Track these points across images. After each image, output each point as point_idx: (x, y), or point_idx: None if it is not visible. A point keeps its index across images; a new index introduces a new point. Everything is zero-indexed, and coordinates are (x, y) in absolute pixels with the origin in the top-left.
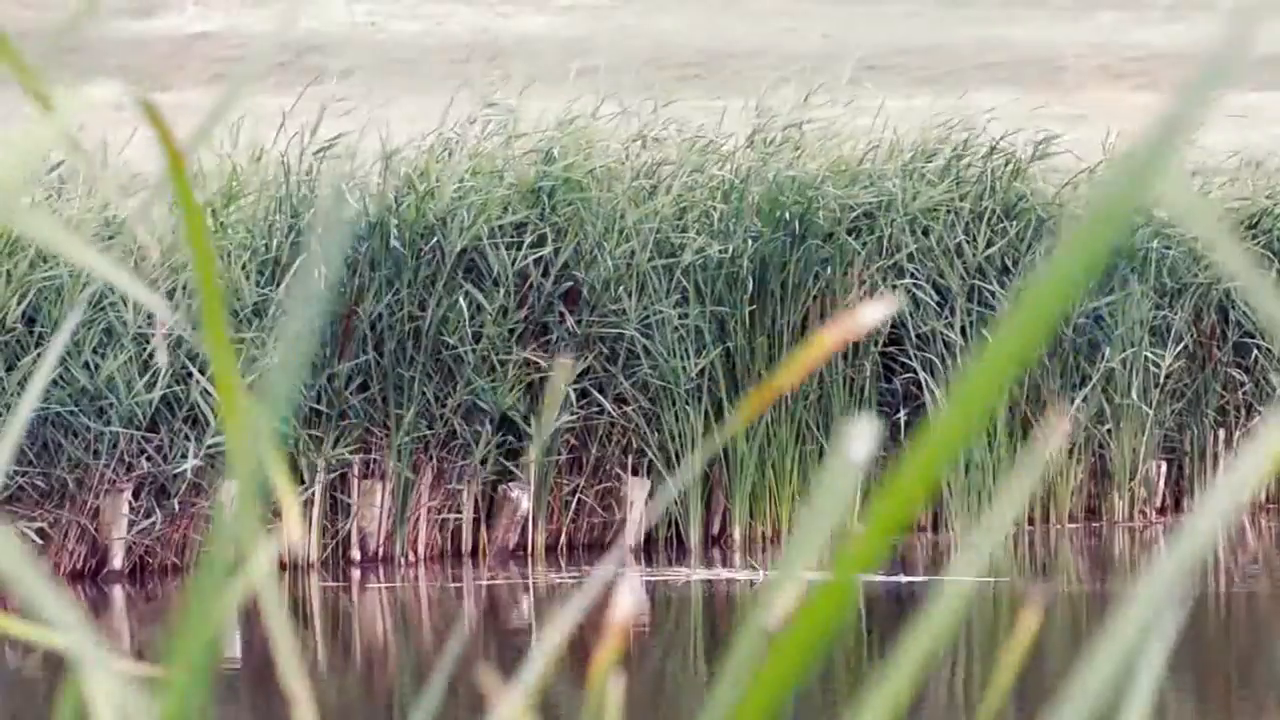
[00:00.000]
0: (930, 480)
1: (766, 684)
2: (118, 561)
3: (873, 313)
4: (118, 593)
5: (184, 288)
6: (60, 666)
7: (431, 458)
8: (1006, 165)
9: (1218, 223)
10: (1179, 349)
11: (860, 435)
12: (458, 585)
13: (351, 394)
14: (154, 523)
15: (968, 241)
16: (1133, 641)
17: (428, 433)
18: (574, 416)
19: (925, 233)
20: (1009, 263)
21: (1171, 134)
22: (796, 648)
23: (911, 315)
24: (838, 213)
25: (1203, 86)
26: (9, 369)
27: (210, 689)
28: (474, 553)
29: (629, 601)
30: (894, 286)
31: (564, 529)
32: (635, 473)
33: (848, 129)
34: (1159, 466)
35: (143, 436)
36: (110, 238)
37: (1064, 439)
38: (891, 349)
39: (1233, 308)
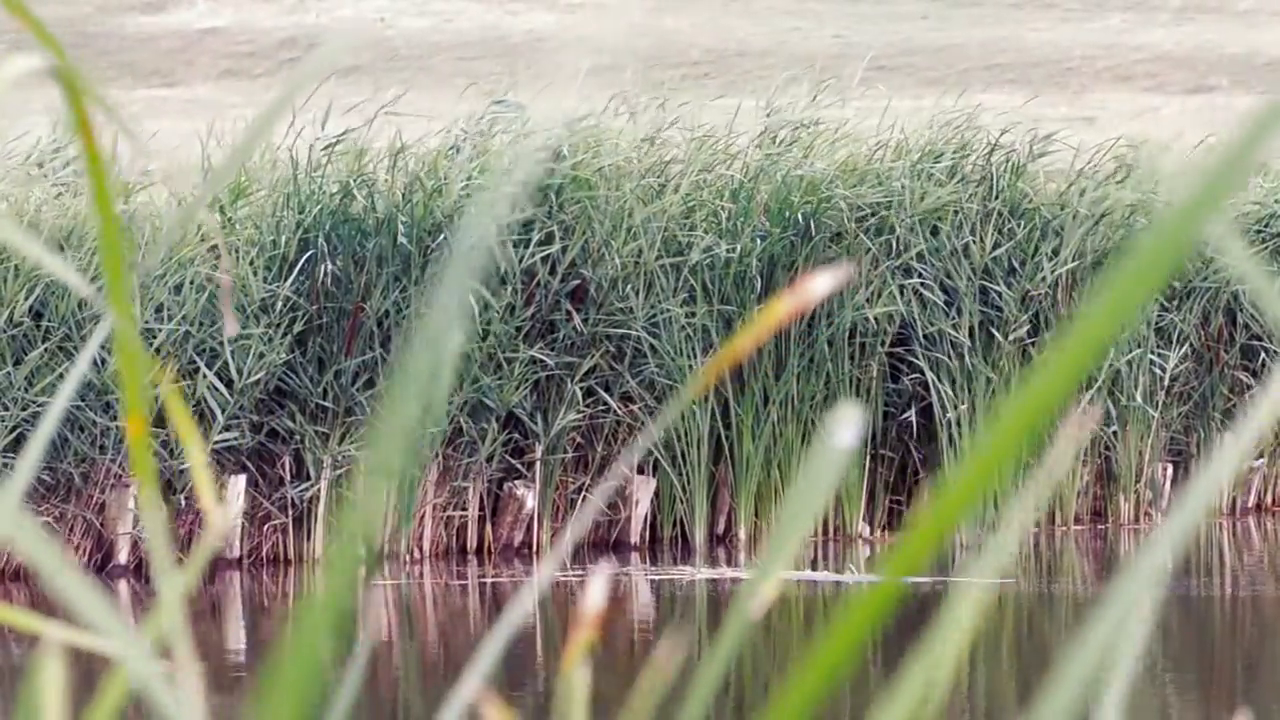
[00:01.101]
0: (979, 488)
1: (804, 686)
2: (123, 556)
3: (822, 283)
4: (123, 588)
5: (192, 282)
6: (70, 661)
7: (437, 455)
8: (1007, 163)
9: (1229, 226)
10: (1185, 351)
11: (846, 421)
12: (462, 583)
13: (358, 390)
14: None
15: (975, 242)
16: (1109, 640)
17: (434, 430)
18: (580, 415)
19: (933, 233)
20: (1015, 263)
21: (1228, 172)
22: (837, 649)
23: (919, 315)
24: (846, 212)
25: (1266, 122)
26: (16, 363)
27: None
28: (479, 550)
29: (599, 593)
30: (901, 287)
31: (569, 527)
32: (641, 471)
33: (856, 129)
34: (1165, 469)
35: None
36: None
37: (1078, 445)
38: (899, 349)
39: (1240, 311)
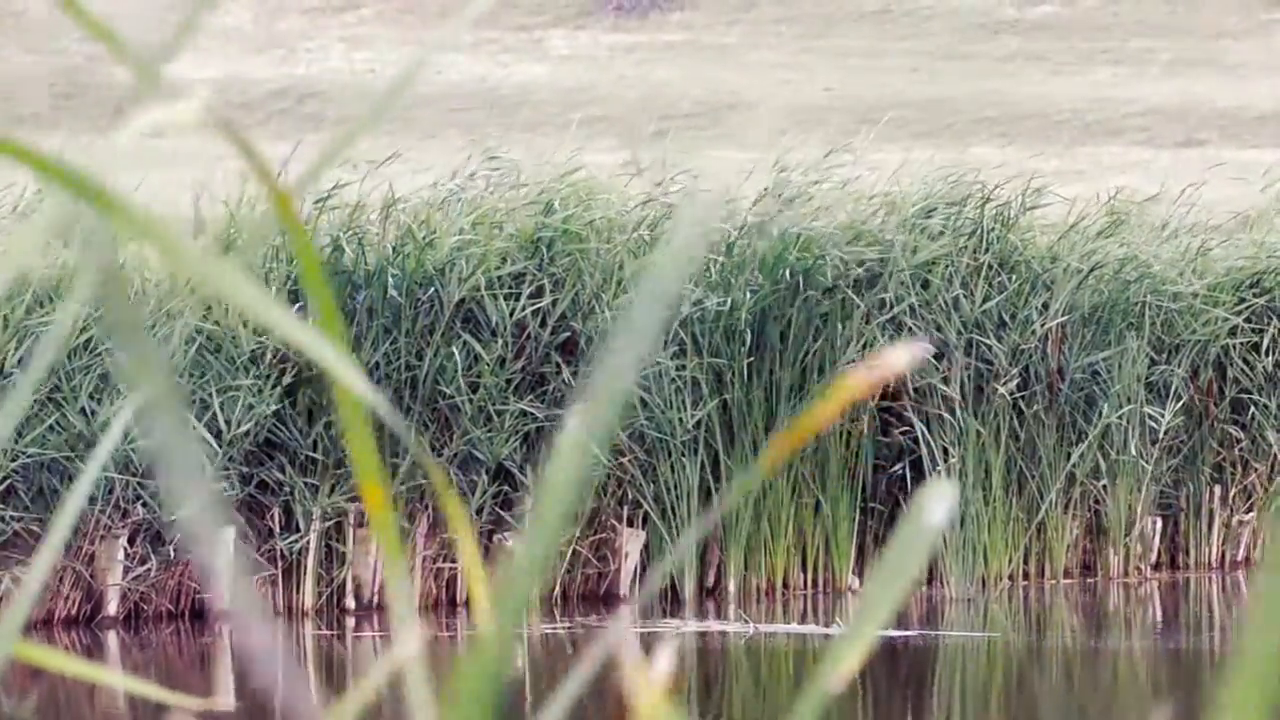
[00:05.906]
0: None
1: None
2: (112, 608)
3: (899, 356)
4: (112, 639)
5: (180, 334)
6: (56, 712)
7: (427, 507)
8: (997, 218)
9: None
10: (1177, 405)
11: (938, 499)
12: (452, 635)
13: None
14: (149, 569)
15: (965, 295)
16: None
17: (424, 482)
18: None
19: (924, 286)
20: (1006, 316)
21: None
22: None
23: (909, 369)
24: (839, 267)
25: None
26: None
27: None
28: (469, 602)
29: (666, 660)
30: (892, 340)
31: (558, 580)
32: (630, 524)
33: (855, 186)
34: (1155, 523)
35: (139, 482)
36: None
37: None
38: (889, 403)
39: (1230, 364)
